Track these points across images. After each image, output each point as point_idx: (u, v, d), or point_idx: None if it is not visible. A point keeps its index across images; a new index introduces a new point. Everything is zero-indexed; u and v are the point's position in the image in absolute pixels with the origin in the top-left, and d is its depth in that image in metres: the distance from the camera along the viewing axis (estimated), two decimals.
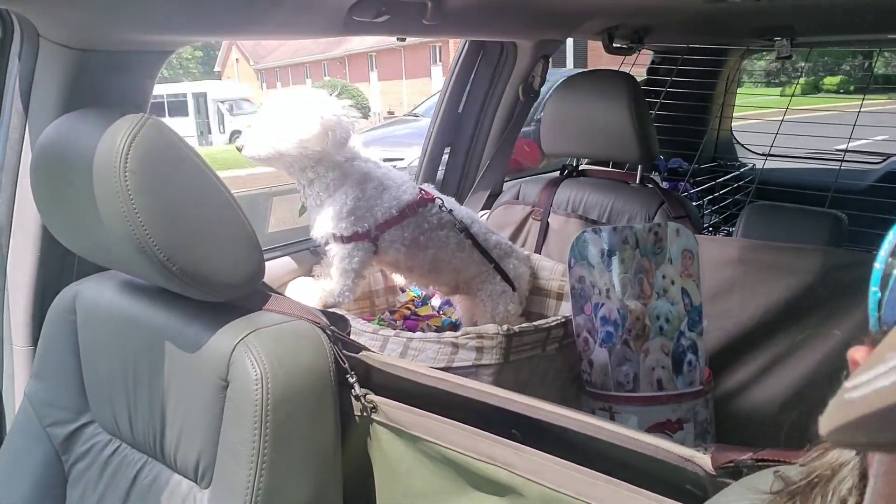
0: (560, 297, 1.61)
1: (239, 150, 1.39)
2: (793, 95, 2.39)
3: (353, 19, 1.35)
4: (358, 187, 1.43)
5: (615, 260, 1.32)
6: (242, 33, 1.27)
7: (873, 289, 0.31)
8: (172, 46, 1.19)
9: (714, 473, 0.68)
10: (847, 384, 0.26)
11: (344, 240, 1.44)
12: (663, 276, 1.30)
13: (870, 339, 0.32)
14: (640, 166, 1.83)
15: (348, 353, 0.99)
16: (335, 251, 1.46)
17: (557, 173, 1.99)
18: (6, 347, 1.22)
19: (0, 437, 1.23)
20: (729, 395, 1.44)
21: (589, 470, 0.77)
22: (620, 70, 2.06)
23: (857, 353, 0.33)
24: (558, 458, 0.80)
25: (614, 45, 2.13)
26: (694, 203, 2.62)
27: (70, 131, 0.94)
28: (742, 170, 2.83)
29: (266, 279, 1.41)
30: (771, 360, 1.41)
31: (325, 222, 1.44)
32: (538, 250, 1.86)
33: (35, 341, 1.15)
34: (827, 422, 0.26)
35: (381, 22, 1.39)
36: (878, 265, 0.32)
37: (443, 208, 1.50)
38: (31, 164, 0.98)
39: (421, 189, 1.52)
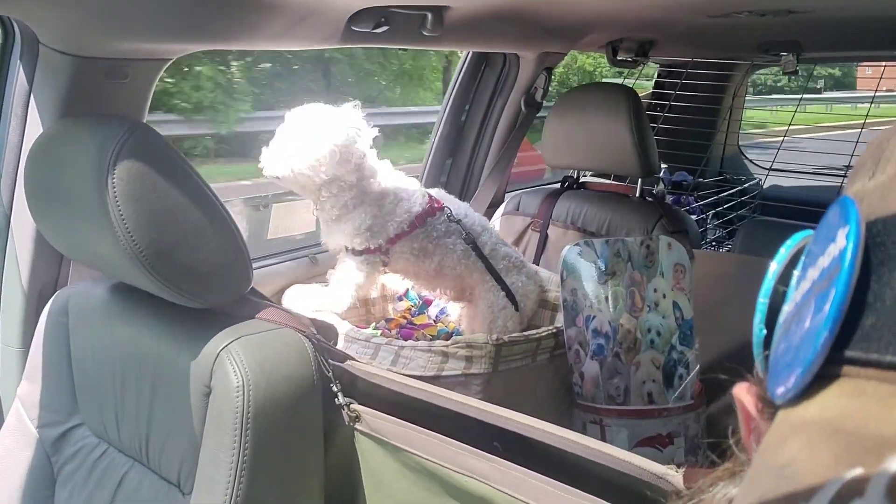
0: (556, 308, 1.60)
1: (260, 169, 1.41)
2: (795, 111, 2.38)
3: (352, 30, 1.36)
4: (376, 205, 1.44)
5: (607, 273, 1.32)
6: (239, 42, 1.28)
7: (758, 326, 0.28)
8: (170, 55, 1.20)
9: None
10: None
11: (355, 252, 1.45)
12: (655, 290, 1.30)
13: (755, 380, 0.29)
14: (640, 180, 1.84)
15: (333, 362, 1.00)
16: (344, 261, 1.47)
17: (558, 185, 1.99)
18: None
19: None
20: (722, 411, 1.43)
21: (563, 484, 0.77)
22: (621, 83, 2.06)
23: (742, 394, 0.30)
24: (534, 472, 0.80)
25: (618, 58, 2.14)
26: (698, 217, 2.62)
27: (62, 137, 0.95)
28: (748, 184, 2.81)
29: (264, 286, 1.43)
30: None
31: (340, 237, 1.45)
32: (536, 261, 1.86)
33: (28, 343, 1.16)
34: None
35: (381, 33, 1.40)
36: (762, 299, 0.28)
37: (451, 218, 1.50)
38: (25, 169, 1.00)
39: (431, 197, 1.52)
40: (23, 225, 1.18)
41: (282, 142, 1.39)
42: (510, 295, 1.52)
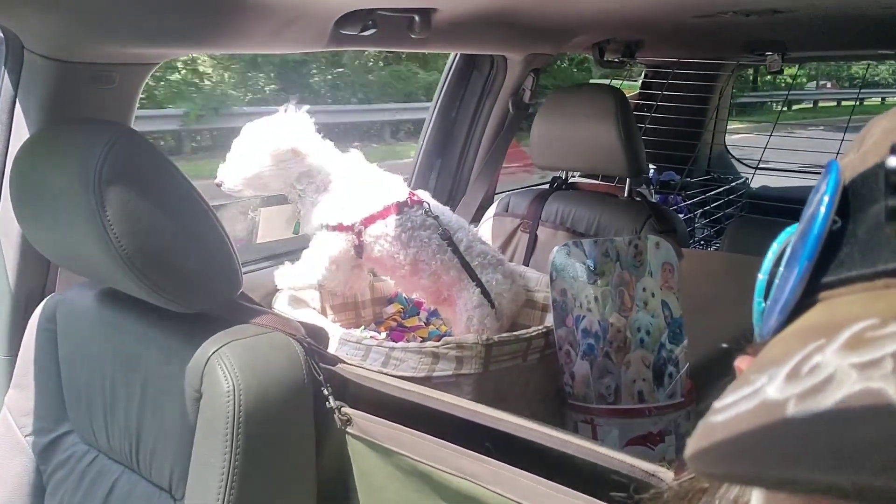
0: (546, 308, 1.60)
1: (218, 186, 1.45)
2: (781, 110, 2.39)
3: (340, 33, 1.36)
4: (345, 182, 1.49)
5: (596, 273, 1.32)
6: (227, 46, 1.28)
7: (757, 299, 0.31)
8: (155, 59, 1.20)
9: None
10: (716, 404, 0.25)
11: (329, 229, 1.48)
12: (644, 289, 1.31)
13: (753, 349, 0.31)
14: (628, 180, 1.84)
15: (324, 366, 0.99)
16: (317, 237, 1.50)
17: (547, 186, 2.00)
18: None
19: None
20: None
21: (555, 483, 0.77)
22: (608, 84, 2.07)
23: (742, 363, 0.32)
24: (524, 472, 0.80)
25: (605, 59, 2.15)
26: (686, 216, 2.63)
27: (48, 143, 0.95)
28: (735, 183, 2.83)
29: (254, 290, 1.43)
30: None
31: (315, 216, 1.49)
32: (526, 262, 1.86)
33: (15, 351, 1.15)
34: (690, 444, 0.24)
35: (368, 36, 1.40)
36: (761, 276, 0.31)
37: (428, 213, 1.51)
38: (10, 175, 0.99)
39: (411, 192, 1.54)
40: (9, 231, 1.17)
41: (236, 156, 1.44)
42: (485, 292, 1.52)
